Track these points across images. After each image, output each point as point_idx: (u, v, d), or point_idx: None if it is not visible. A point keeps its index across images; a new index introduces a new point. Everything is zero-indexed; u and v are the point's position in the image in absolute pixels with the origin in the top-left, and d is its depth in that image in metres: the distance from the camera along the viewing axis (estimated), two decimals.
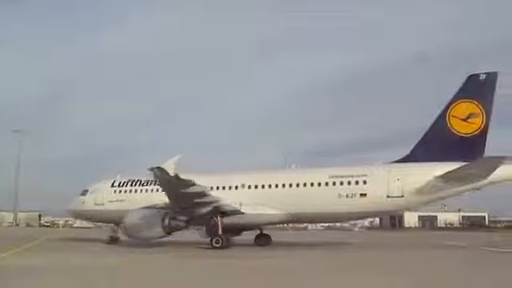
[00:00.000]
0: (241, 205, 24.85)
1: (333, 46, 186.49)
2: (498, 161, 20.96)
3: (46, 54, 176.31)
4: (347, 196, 23.77)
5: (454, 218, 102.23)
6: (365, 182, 23.81)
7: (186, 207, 24.19)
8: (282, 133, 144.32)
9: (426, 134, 24.50)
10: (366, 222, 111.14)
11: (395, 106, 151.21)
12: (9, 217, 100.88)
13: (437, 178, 22.63)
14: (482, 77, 23.69)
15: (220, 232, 23.64)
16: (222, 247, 22.78)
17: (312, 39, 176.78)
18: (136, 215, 24.95)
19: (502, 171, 21.90)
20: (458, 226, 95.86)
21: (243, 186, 26.03)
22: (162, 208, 24.88)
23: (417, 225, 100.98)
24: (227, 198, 24.97)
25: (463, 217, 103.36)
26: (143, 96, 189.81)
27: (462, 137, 23.43)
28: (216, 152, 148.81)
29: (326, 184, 24.39)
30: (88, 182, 31.07)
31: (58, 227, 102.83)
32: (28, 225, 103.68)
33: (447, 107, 24.14)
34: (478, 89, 23.67)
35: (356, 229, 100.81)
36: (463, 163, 21.91)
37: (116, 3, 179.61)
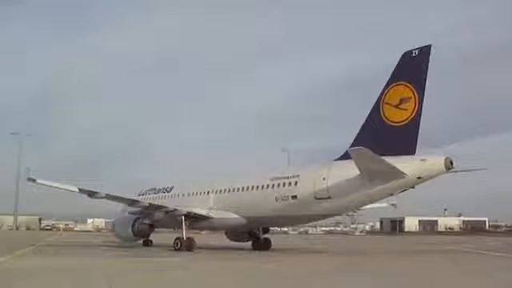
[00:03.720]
0: (211, 209, 25.42)
1: (334, 47, 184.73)
2: (357, 153, 18.97)
3: (45, 54, 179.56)
4: (282, 199, 22.59)
5: (454, 222, 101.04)
6: (296, 183, 22.33)
7: (144, 212, 26.32)
8: (284, 134, 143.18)
9: (362, 127, 21.74)
10: (367, 227, 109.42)
11: None
12: (9, 220, 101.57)
13: (359, 175, 19.99)
14: (415, 53, 20.44)
15: (184, 236, 24.30)
16: (180, 249, 23.50)
17: (313, 40, 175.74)
18: (118, 219, 28.56)
19: (428, 167, 19.51)
20: (459, 230, 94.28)
21: (212, 191, 26.34)
22: (134, 213, 27.07)
23: (417, 229, 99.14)
24: (199, 204, 26.04)
25: (464, 221, 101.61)
26: (144, 97, 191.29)
27: (393, 126, 20.38)
28: (216, 153, 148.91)
29: (267, 187, 23.60)
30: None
31: (59, 230, 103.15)
32: (28, 228, 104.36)
33: (381, 94, 21.13)
34: (410, 68, 20.49)
35: (357, 233, 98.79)
36: (394, 157, 19.18)
37: (117, 4, 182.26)
